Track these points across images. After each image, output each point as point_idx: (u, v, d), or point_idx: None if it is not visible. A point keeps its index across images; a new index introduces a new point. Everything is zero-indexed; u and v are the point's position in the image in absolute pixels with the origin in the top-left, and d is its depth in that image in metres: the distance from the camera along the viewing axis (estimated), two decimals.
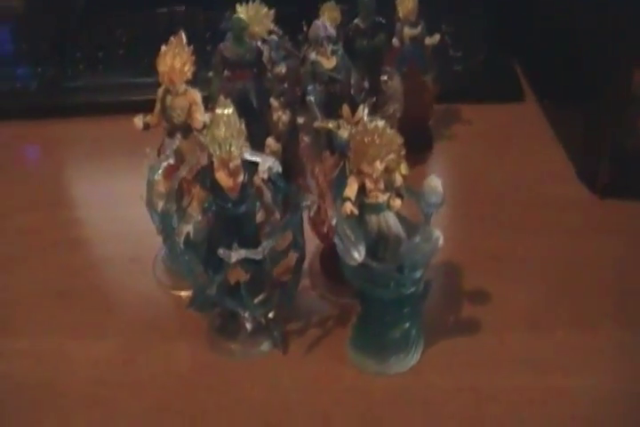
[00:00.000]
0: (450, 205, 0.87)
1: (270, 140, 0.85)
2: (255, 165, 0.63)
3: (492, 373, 0.71)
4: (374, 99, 0.92)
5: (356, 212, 0.60)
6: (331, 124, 0.70)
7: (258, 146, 0.84)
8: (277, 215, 0.67)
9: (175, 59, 0.69)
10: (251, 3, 0.84)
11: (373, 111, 0.90)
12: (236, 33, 0.82)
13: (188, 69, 0.70)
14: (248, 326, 0.72)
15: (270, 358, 0.73)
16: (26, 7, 1.38)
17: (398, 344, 0.69)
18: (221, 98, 0.61)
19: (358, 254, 0.60)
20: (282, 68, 0.88)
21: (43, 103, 1.17)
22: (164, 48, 0.70)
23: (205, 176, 0.63)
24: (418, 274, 0.64)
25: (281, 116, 0.87)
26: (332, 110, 0.78)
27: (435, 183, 0.62)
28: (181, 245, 0.66)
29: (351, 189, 0.60)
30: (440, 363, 0.72)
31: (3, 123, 1.13)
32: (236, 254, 0.64)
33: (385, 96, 0.94)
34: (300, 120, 0.86)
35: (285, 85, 0.89)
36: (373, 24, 0.90)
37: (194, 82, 0.73)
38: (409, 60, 0.96)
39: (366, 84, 0.93)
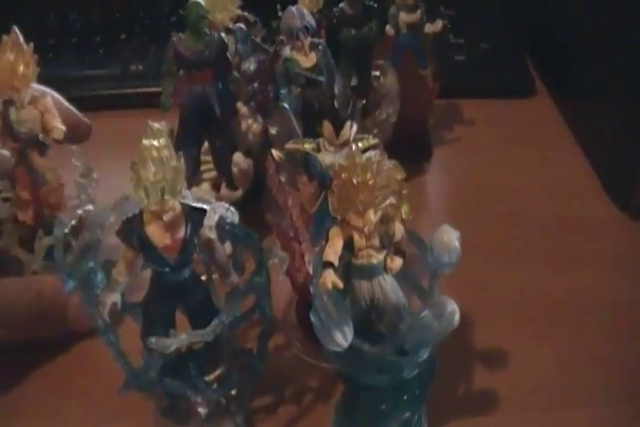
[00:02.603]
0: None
1: (238, 157, 0.70)
2: (201, 212, 0.47)
3: None
4: (364, 101, 0.76)
5: (340, 285, 0.43)
6: (307, 146, 0.54)
7: (224, 164, 0.69)
8: (234, 277, 0.51)
9: (15, 62, 0.59)
10: None
11: (363, 116, 0.75)
12: (192, 23, 0.66)
13: (33, 72, 0.61)
14: (201, 411, 0.56)
15: None
16: None
17: None
18: (150, 124, 0.45)
19: (343, 338, 0.44)
20: (250, 65, 0.72)
21: None
22: None
23: (132, 230, 0.46)
24: (423, 355, 0.48)
25: (251, 125, 0.72)
26: (310, 122, 0.62)
27: (447, 237, 0.46)
28: (106, 320, 0.49)
29: (333, 249, 0.44)
30: None
31: None
32: (177, 341, 0.48)
33: (377, 96, 0.79)
34: (273, 130, 0.70)
35: (256, 86, 0.73)
36: (363, 9, 0.77)
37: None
38: (405, 51, 0.81)
39: (354, 82, 0.77)
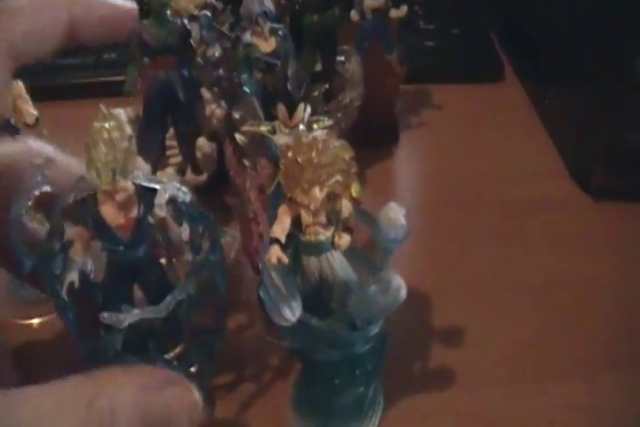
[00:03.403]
0: (417, 212, 0.73)
1: (202, 141, 0.71)
2: (154, 191, 0.48)
3: None
4: (327, 85, 0.77)
5: (285, 260, 0.44)
6: (263, 128, 0.54)
7: (188, 149, 0.70)
8: (189, 256, 0.52)
9: None
10: None
11: (327, 100, 0.76)
12: (155, 10, 0.66)
13: None
14: None
15: None
16: None
17: (350, 411, 0.54)
18: (102, 108, 0.45)
19: (291, 313, 0.45)
20: (215, 51, 0.72)
21: None
22: None
23: (86, 210, 0.47)
24: (373, 330, 0.49)
25: (215, 110, 0.72)
26: (268, 105, 0.63)
27: (394, 214, 0.47)
28: (65, 298, 0.50)
29: (280, 226, 0.45)
30: None
31: None
32: (130, 316, 0.49)
33: (341, 81, 0.79)
34: (236, 115, 0.70)
35: (221, 72, 0.73)
36: None
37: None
38: (370, 36, 0.81)
39: (319, 68, 0.78)
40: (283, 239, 0.45)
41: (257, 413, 0.59)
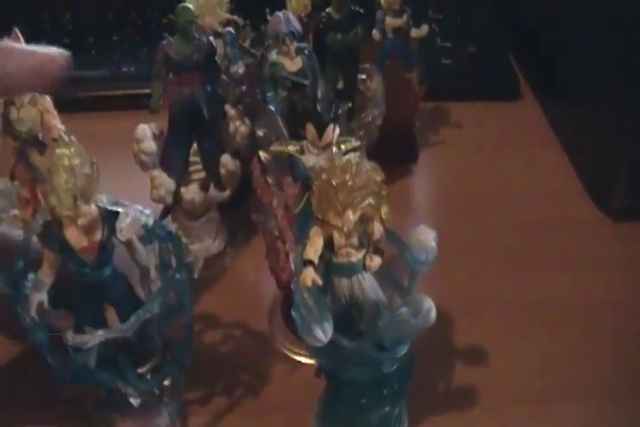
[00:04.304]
0: (435, 230, 0.74)
1: (226, 158, 0.71)
2: (117, 214, 0.49)
3: None
4: (350, 104, 0.78)
5: (319, 282, 0.45)
6: (291, 148, 0.55)
7: (212, 165, 0.71)
8: (154, 276, 0.53)
9: None
10: None
11: (349, 118, 0.76)
12: (181, 27, 0.67)
13: None
14: (133, 401, 0.58)
15: None
16: None
17: None
18: (61, 133, 0.47)
19: (323, 334, 0.46)
20: (239, 68, 0.73)
21: None
22: None
23: (52, 234, 0.48)
24: (402, 350, 0.49)
25: (239, 127, 0.72)
26: (296, 125, 0.64)
27: (424, 237, 0.48)
28: (34, 318, 0.51)
29: (314, 248, 0.46)
30: None
31: None
32: (94, 337, 0.50)
33: (363, 100, 0.79)
34: (260, 132, 0.71)
35: (244, 88, 0.74)
36: (349, 14, 0.76)
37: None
38: (391, 55, 0.82)
39: (340, 86, 0.78)
40: (316, 261, 0.45)
41: None
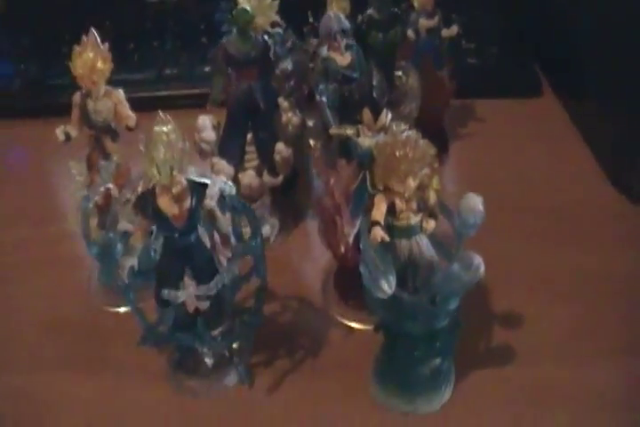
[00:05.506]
0: None
1: (280, 146, 0.77)
2: (204, 185, 0.55)
3: (531, 409, 0.63)
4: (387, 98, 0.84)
5: (387, 238, 0.52)
6: (349, 131, 0.61)
7: (266, 153, 0.77)
8: (234, 242, 0.59)
9: (94, 59, 0.66)
10: None
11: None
12: (241, 27, 0.73)
13: (108, 68, 0.67)
14: (208, 361, 0.65)
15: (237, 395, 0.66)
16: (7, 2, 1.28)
17: (427, 382, 0.61)
18: (160, 114, 0.53)
19: (388, 286, 0.52)
20: (288, 64, 0.80)
21: (26, 103, 1.09)
22: (77, 48, 0.66)
23: (146, 203, 0.55)
24: (453, 305, 0.56)
25: (291, 118, 0.79)
26: (345, 113, 0.70)
27: (474, 203, 0.54)
28: (125, 281, 0.58)
29: (379, 211, 0.52)
30: (473, 401, 0.64)
31: None
32: (185, 294, 0.57)
33: (400, 94, 0.86)
34: (310, 123, 0.78)
35: (292, 83, 0.81)
36: (389, 15, 0.82)
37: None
38: (424, 53, 0.88)
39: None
40: (382, 222, 0.52)
41: (289, 387, 0.67)
